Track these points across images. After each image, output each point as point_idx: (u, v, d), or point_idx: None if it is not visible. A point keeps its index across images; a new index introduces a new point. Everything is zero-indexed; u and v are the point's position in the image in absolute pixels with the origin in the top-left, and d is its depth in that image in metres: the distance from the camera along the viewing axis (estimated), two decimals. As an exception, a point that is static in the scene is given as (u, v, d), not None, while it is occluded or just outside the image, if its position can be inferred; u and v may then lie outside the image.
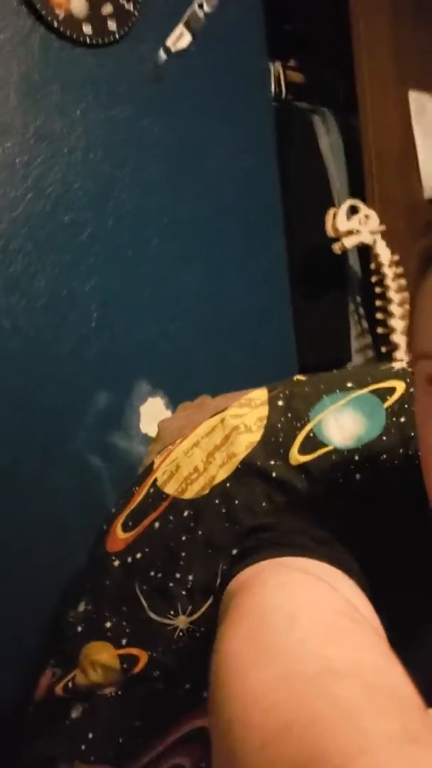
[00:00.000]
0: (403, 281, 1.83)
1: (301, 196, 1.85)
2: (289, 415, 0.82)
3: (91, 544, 0.93)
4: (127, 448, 1.34)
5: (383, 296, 1.82)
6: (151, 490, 0.83)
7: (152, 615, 0.76)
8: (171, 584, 0.76)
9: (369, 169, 1.91)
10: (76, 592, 0.84)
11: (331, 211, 1.72)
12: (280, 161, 1.68)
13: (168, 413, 1.41)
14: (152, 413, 1.39)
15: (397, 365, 0.86)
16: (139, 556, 0.79)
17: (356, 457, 0.75)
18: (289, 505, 0.62)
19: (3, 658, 1.15)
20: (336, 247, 1.73)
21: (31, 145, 1.24)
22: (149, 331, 1.40)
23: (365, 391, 0.81)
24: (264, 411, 0.83)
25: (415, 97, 2.00)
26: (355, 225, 1.71)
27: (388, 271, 1.80)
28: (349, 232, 1.71)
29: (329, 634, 0.42)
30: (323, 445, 0.77)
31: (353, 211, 1.75)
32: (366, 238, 1.74)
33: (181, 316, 1.44)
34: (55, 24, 1.26)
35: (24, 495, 1.21)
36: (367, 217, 1.74)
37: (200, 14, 1.47)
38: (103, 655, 0.76)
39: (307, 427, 0.79)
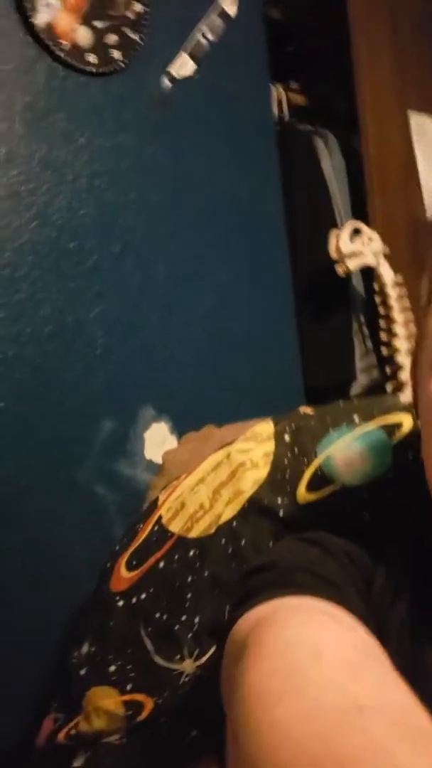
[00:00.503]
0: (406, 301, 1.82)
1: (304, 218, 1.85)
2: (296, 450, 0.81)
3: (96, 574, 0.92)
4: (132, 475, 1.33)
5: (387, 316, 1.81)
6: (156, 528, 0.82)
7: (158, 659, 0.74)
8: (177, 626, 0.75)
9: (371, 190, 1.92)
10: (80, 632, 0.83)
11: (334, 233, 1.72)
12: (283, 183, 1.68)
13: (173, 438, 1.40)
14: (157, 439, 1.38)
15: (403, 398, 0.85)
16: (143, 596, 0.78)
17: (364, 495, 0.74)
18: (295, 540, 0.61)
19: (5, 696, 1.14)
20: (340, 269, 1.73)
21: (36, 173, 1.24)
22: (154, 356, 1.39)
23: (372, 425, 0.80)
24: (270, 446, 0.82)
25: (415, 118, 2.00)
26: (359, 247, 1.71)
27: (392, 292, 1.80)
28: (353, 254, 1.71)
29: (355, 670, 0.41)
30: (331, 482, 0.76)
31: (356, 232, 1.75)
32: (369, 259, 1.74)
33: (187, 340, 1.44)
34: (60, 54, 1.26)
35: (29, 524, 1.21)
36: (370, 239, 1.74)
37: (203, 42, 1.47)
38: (107, 701, 0.75)
39: (315, 463, 0.79)
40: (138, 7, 1.35)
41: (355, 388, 1.97)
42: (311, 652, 0.42)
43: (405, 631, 0.53)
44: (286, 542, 0.63)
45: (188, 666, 0.74)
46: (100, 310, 1.30)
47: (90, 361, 1.29)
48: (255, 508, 0.77)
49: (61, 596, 1.16)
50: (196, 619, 0.75)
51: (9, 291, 1.20)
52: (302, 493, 0.77)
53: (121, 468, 1.32)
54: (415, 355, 0.56)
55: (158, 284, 1.39)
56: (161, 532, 0.81)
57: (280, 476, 0.79)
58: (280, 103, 2.05)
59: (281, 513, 0.76)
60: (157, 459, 1.36)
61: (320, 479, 0.77)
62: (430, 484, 0.52)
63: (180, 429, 1.39)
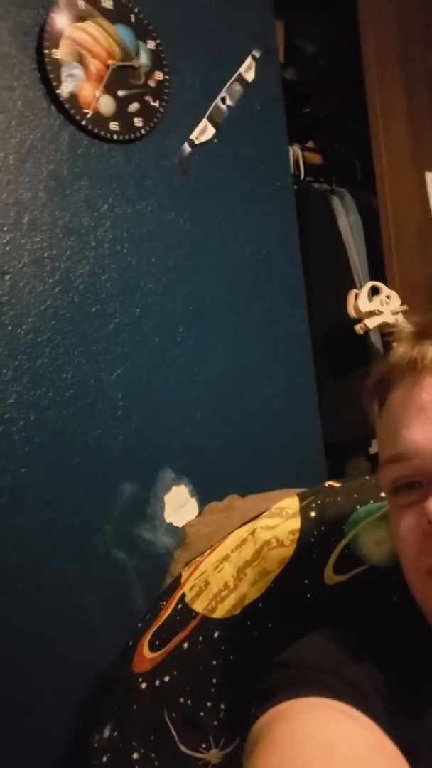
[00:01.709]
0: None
1: (322, 277, 1.86)
2: (323, 528, 0.79)
3: (115, 640, 0.90)
4: (152, 539, 1.32)
5: (407, 374, 1.80)
6: (179, 606, 0.80)
7: (183, 748, 0.72)
8: (202, 713, 0.73)
9: (388, 248, 1.93)
10: (102, 714, 0.81)
11: (352, 293, 1.73)
12: (301, 242, 1.69)
13: (193, 501, 1.39)
14: (177, 502, 1.37)
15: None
16: (167, 679, 0.76)
17: (393, 578, 0.72)
18: (319, 636, 0.60)
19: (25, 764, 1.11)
20: (358, 328, 1.73)
21: (59, 239, 1.26)
22: (174, 417, 1.39)
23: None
24: (296, 523, 0.81)
25: (433, 178, 2.03)
26: (377, 306, 1.71)
27: (412, 349, 1.79)
28: (371, 313, 1.71)
29: (365, 766, 0.41)
30: (359, 563, 0.75)
31: (374, 292, 1.76)
32: (388, 318, 1.74)
33: (207, 400, 1.44)
34: (84, 122, 1.29)
35: (47, 591, 1.19)
36: (388, 297, 1.74)
37: (223, 107, 1.51)
38: (131, 794, 0.72)
39: (342, 543, 0.77)
40: (159, 76, 1.39)
41: (375, 446, 1.95)
42: (322, 746, 0.42)
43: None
44: (315, 638, 0.62)
45: (214, 756, 0.71)
46: (121, 372, 1.31)
47: (111, 424, 1.29)
48: (281, 589, 0.75)
49: (80, 662, 1.14)
50: (222, 706, 0.73)
51: (32, 356, 1.21)
52: (330, 574, 0.75)
53: (140, 532, 1.31)
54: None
55: (177, 345, 1.39)
56: (185, 611, 0.79)
57: (307, 556, 0.77)
58: (296, 162, 2.09)
59: (308, 595, 0.74)
60: (177, 522, 1.34)
61: (348, 560, 0.75)
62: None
63: (200, 491, 1.38)
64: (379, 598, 0.72)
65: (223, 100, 1.51)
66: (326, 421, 1.78)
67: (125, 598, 1.25)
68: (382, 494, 0.80)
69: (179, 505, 1.35)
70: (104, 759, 0.76)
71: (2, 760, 1.11)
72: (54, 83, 1.26)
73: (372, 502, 0.80)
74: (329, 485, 0.87)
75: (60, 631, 1.19)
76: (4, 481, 1.16)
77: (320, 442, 1.70)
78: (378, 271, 1.97)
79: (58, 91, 1.26)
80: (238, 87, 1.54)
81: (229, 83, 1.52)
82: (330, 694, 0.50)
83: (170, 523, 1.35)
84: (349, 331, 1.75)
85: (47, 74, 1.25)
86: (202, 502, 1.36)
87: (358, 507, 0.80)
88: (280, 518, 0.82)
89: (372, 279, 1.88)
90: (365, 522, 0.78)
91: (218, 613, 0.77)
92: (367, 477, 0.87)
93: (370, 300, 1.71)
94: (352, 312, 1.71)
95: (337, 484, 0.86)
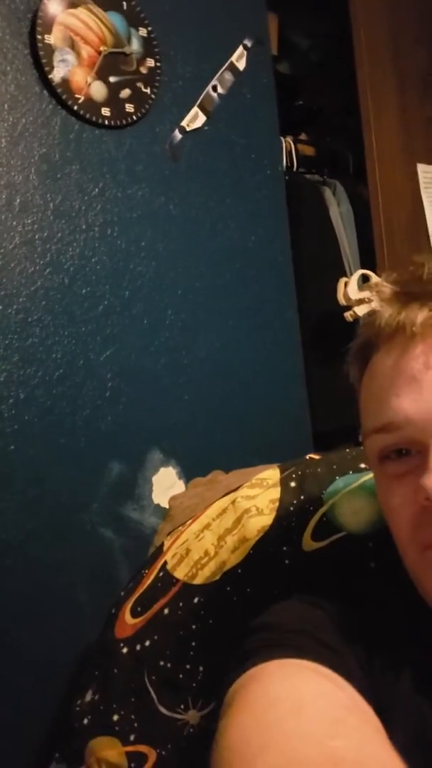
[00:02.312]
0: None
1: (313, 265, 1.88)
2: (302, 497, 0.81)
3: (100, 617, 0.91)
4: (140, 519, 1.33)
5: (396, 362, 1.82)
6: (161, 574, 0.82)
7: (162, 709, 0.73)
8: (181, 675, 0.74)
9: (379, 238, 1.95)
10: (84, 680, 0.82)
11: (342, 281, 1.74)
12: (291, 231, 1.71)
13: (181, 483, 1.40)
14: (165, 483, 1.38)
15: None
16: (147, 643, 0.77)
17: (370, 544, 0.74)
18: (298, 601, 0.61)
19: (8, 744, 1.12)
20: (348, 315, 1.74)
21: (50, 221, 1.28)
22: (163, 400, 1.40)
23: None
24: (276, 493, 0.82)
25: (423, 169, 2.04)
26: (367, 294, 1.73)
27: (401, 338, 1.81)
28: (361, 301, 1.72)
29: (336, 726, 0.42)
30: (336, 530, 0.76)
31: (364, 279, 1.77)
32: (377, 306, 1.75)
33: (195, 384, 1.45)
34: (76, 107, 1.31)
35: (35, 566, 1.21)
36: (377, 285, 1.75)
37: (214, 95, 1.53)
38: (109, 751, 0.73)
39: (320, 511, 0.78)
40: (150, 63, 1.40)
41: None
42: (294, 706, 0.43)
43: (411, 707, 0.52)
44: (290, 602, 0.62)
45: (192, 717, 0.73)
46: (110, 353, 1.32)
47: (99, 404, 1.30)
48: (260, 556, 0.77)
49: (66, 638, 1.15)
50: (200, 668, 0.74)
51: (22, 335, 1.23)
52: (308, 541, 0.76)
53: (128, 511, 1.33)
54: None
55: (166, 328, 1.41)
56: (166, 579, 0.81)
57: (286, 523, 0.78)
58: (289, 153, 2.11)
59: (287, 561, 0.75)
60: (165, 504, 1.36)
61: (326, 527, 0.76)
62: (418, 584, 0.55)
63: (188, 474, 1.40)
64: (356, 564, 0.73)
65: (215, 88, 1.53)
66: (315, 408, 1.79)
67: (111, 576, 1.27)
68: (362, 465, 0.82)
69: (167, 487, 1.37)
70: (85, 721, 0.78)
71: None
72: (46, 68, 1.28)
73: (351, 472, 0.82)
74: (309, 457, 0.88)
75: (47, 607, 1.21)
76: (-7, 458, 1.17)
77: (308, 428, 1.72)
78: (369, 260, 1.99)
79: (50, 76, 1.28)
80: (229, 75, 1.56)
81: (220, 71, 1.53)
82: (305, 656, 0.50)
83: (158, 504, 1.36)
84: (340, 319, 1.77)
85: (40, 59, 1.27)
86: (190, 484, 1.37)
87: (337, 477, 0.81)
88: (261, 488, 0.83)
89: (363, 268, 1.89)
90: (343, 491, 0.79)
91: (198, 580, 0.79)
92: (347, 450, 0.88)
93: (360, 288, 1.72)
94: (342, 299, 1.72)
95: (317, 457, 0.88)
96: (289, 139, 2.13)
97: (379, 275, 1.82)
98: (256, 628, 0.58)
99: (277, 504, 0.80)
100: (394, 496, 0.55)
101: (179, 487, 1.39)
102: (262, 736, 0.41)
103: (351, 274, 1.89)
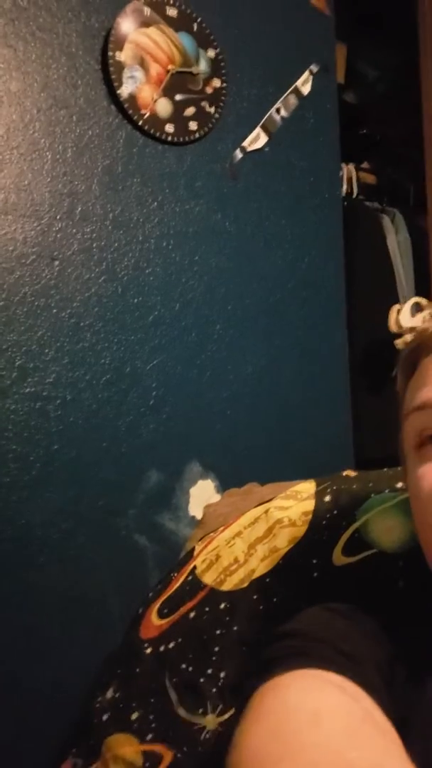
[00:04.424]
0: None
1: (366, 292, 1.88)
2: (336, 512, 0.80)
3: (128, 622, 0.92)
4: (174, 529, 1.34)
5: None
6: (190, 578, 0.82)
7: (181, 711, 0.73)
8: (202, 680, 0.74)
9: (436, 269, 1.93)
10: (106, 677, 0.83)
11: (395, 308, 1.73)
12: (347, 257, 1.71)
13: (218, 497, 1.40)
14: (202, 496, 1.38)
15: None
16: (171, 645, 0.78)
17: (400, 563, 0.73)
18: (324, 610, 0.60)
19: (29, 740, 1.13)
20: (399, 342, 1.73)
21: (108, 231, 1.31)
22: (206, 413, 1.41)
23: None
24: (310, 505, 0.82)
25: None
26: (419, 322, 1.71)
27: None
28: (413, 329, 1.71)
29: (352, 737, 0.42)
30: (368, 547, 0.76)
31: (418, 308, 1.76)
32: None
33: (239, 400, 1.46)
34: (140, 122, 1.35)
35: (68, 567, 1.22)
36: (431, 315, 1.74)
37: (277, 118, 1.55)
38: (126, 749, 0.74)
39: (353, 527, 0.78)
40: (216, 83, 1.44)
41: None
42: (311, 717, 0.43)
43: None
44: (315, 610, 0.62)
45: (210, 721, 0.72)
46: (157, 362, 1.34)
47: (143, 411, 1.32)
48: (289, 566, 0.77)
49: (93, 640, 1.16)
50: (222, 674, 0.74)
51: (73, 339, 1.26)
52: (338, 555, 0.76)
53: (163, 521, 1.33)
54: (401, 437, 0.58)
55: (213, 342, 1.42)
56: (194, 583, 0.81)
57: (318, 537, 0.78)
58: (350, 181, 2.12)
59: (315, 573, 0.75)
60: (200, 516, 1.36)
61: (357, 543, 0.76)
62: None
63: (226, 488, 1.40)
64: (385, 581, 0.72)
65: (278, 110, 1.56)
66: (361, 436, 1.78)
67: (142, 582, 1.27)
68: (399, 485, 0.81)
69: (204, 499, 1.37)
70: (104, 717, 0.78)
71: (15, 734, 1.13)
72: (115, 84, 1.32)
73: (386, 491, 0.81)
74: (346, 474, 0.88)
75: (76, 606, 1.22)
76: (37, 455, 1.20)
77: (351, 454, 1.70)
78: (424, 290, 1.97)
79: (118, 92, 1.32)
80: (293, 99, 1.58)
81: (285, 94, 1.56)
82: (325, 666, 0.50)
83: (193, 516, 1.36)
84: (391, 348, 1.76)
85: (109, 75, 1.31)
86: (227, 499, 1.37)
87: (372, 495, 0.81)
88: (295, 500, 0.83)
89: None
90: (378, 509, 0.79)
91: (226, 586, 0.79)
92: (384, 469, 0.88)
93: (412, 315, 1.71)
94: (393, 326, 1.71)
95: (353, 473, 0.87)
96: (350, 166, 2.14)
97: (432, 304, 1.80)
98: (279, 635, 0.58)
99: (310, 516, 0.80)
100: (426, 478, 0.54)
101: (216, 501, 1.39)
102: (278, 747, 0.40)
103: (404, 303, 1.87)
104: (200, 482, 1.39)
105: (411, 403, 0.56)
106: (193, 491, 1.38)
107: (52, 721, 1.13)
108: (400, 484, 0.81)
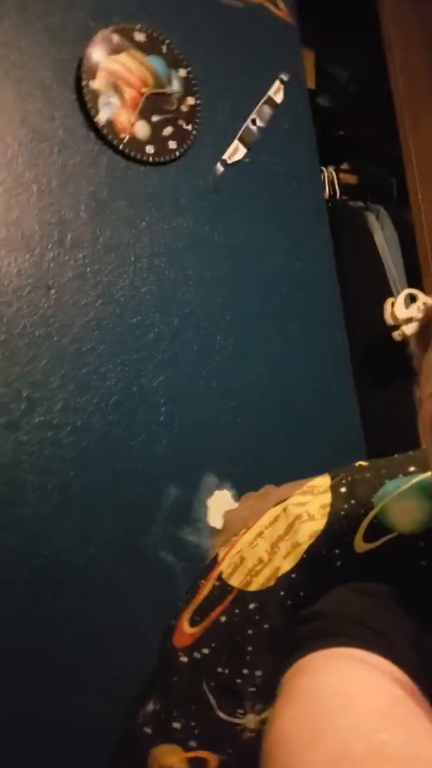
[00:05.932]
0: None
1: (360, 289, 1.89)
2: (353, 501, 0.81)
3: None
4: (198, 542, 1.34)
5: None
6: (217, 584, 0.83)
7: (221, 714, 0.74)
8: (238, 680, 0.75)
9: (425, 260, 1.95)
10: (145, 691, 0.83)
11: (389, 300, 1.75)
12: (337, 256, 1.73)
13: (235, 506, 1.41)
14: (220, 506, 1.39)
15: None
16: (206, 651, 0.78)
17: (421, 543, 0.74)
18: (348, 590, 0.61)
19: (74, 761, 1.13)
20: (396, 335, 1.74)
21: (101, 255, 1.33)
22: (216, 423, 1.42)
23: (428, 474, 0.80)
24: (327, 498, 0.83)
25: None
26: (414, 312, 1.73)
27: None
28: (408, 320, 1.72)
29: (384, 719, 0.42)
30: (388, 531, 0.76)
31: (412, 299, 1.77)
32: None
33: (247, 407, 1.47)
34: (121, 146, 1.37)
35: (96, 591, 1.22)
36: (425, 304, 1.75)
37: (254, 129, 1.58)
38: (171, 758, 0.74)
39: (371, 514, 0.79)
40: (191, 101, 1.47)
41: (421, 454, 1.93)
42: (343, 699, 0.43)
43: None
44: (338, 591, 0.62)
45: (251, 721, 0.73)
46: (162, 378, 1.36)
47: (154, 429, 1.33)
48: (313, 559, 0.77)
49: (127, 661, 1.16)
50: (258, 673, 0.75)
51: (77, 365, 1.27)
52: (359, 543, 0.77)
53: (186, 535, 1.34)
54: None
55: (216, 353, 1.44)
56: (222, 587, 0.82)
57: (338, 527, 0.79)
58: (332, 183, 2.14)
59: (339, 563, 0.76)
60: (220, 526, 1.37)
61: (377, 529, 0.77)
62: None
63: (242, 495, 1.40)
64: (408, 562, 0.73)
65: (254, 121, 1.58)
66: (371, 431, 1.78)
67: (173, 599, 1.27)
68: (411, 468, 0.82)
69: (222, 509, 1.38)
70: (147, 731, 0.79)
71: (49, 756, 1.13)
72: (92, 112, 1.35)
73: (400, 476, 0.82)
74: (359, 464, 0.89)
75: (109, 630, 1.22)
76: (54, 484, 1.21)
77: (363, 450, 1.70)
78: (415, 283, 1.99)
79: (96, 119, 1.35)
80: (267, 109, 1.61)
81: (258, 105, 1.59)
82: (354, 644, 0.50)
83: (213, 527, 1.37)
84: (390, 341, 1.77)
85: (85, 104, 1.34)
86: (246, 506, 1.38)
87: (386, 481, 0.82)
88: (312, 495, 0.84)
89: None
90: (393, 494, 0.80)
91: (253, 586, 0.80)
92: (395, 456, 0.89)
93: (407, 307, 1.72)
94: (389, 319, 1.73)
95: (365, 463, 0.88)
96: (331, 169, 2.17)
97: (426, 295, 1.81)
98: (305, 617, 0.59)
99: (328, 509, 0.81)
100: None
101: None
102: (310, 729, 0.41)
103: (397, 296, 1.89)
104: (217, 492, 1.40)
105: (426, 388, 0.56)
106: (210, 502, 1.39)
107: (90, 741, 1.13)
108: (412, 468, 0.82)
